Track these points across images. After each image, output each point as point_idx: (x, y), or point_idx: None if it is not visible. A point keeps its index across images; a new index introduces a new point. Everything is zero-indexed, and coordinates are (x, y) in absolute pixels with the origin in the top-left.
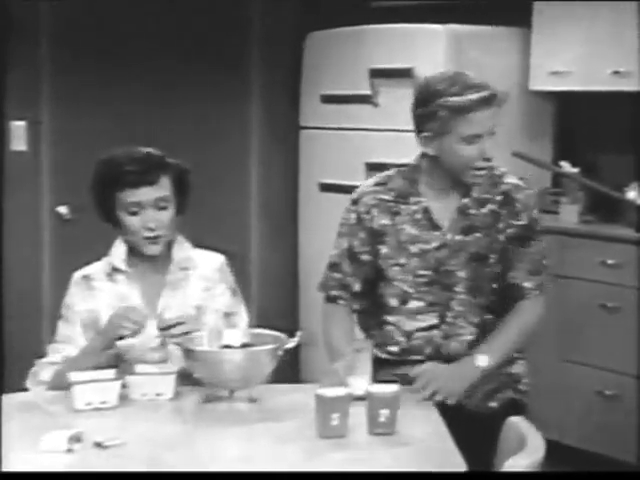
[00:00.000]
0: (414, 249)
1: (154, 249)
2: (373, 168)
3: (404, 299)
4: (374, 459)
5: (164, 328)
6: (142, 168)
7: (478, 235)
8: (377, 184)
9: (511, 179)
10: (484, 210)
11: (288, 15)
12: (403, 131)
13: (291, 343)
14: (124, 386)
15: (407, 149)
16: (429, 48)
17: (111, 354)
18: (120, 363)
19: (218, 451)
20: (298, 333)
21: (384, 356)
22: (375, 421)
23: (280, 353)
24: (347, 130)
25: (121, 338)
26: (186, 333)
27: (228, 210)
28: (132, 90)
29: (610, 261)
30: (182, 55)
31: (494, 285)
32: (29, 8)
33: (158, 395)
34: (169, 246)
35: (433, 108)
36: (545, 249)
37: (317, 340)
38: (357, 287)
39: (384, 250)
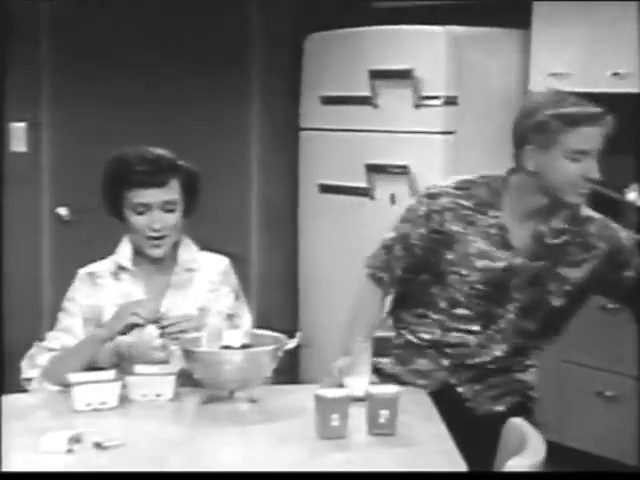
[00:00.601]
0: (479, 264)
1: (158, 252)
2: (373, 169)
3: (454, 305)
4: (374, 460)
5: (164, 326)
6: (152, 169)
7: (544, 263)
8: (458, 188)
9: (586, 211)
10: (557, 241)
11: (288, 16)
12: (403, 132)
13: (291, 344)
14: (124, 387)
15: (407, 150)
16: (429, 49)
17: (111, 352)
18: (121, 363)
19: (218, 452)
20: (297, 334)
21: (414, 340)
22: (375, 422)
23: (280, 354)
24: (347, 131)
25: (130, 329)
26: (183, 332)
27: (228, 211)
28: (132, 92)
29: None
30: (182, 56)
31: (547, 315)
32: (29, 8)
33: (158, 396)
34: (175, 247)
35: (544, 118)
36: None
37: (316, 341)
38: (399, 272)
39: (449, 256)
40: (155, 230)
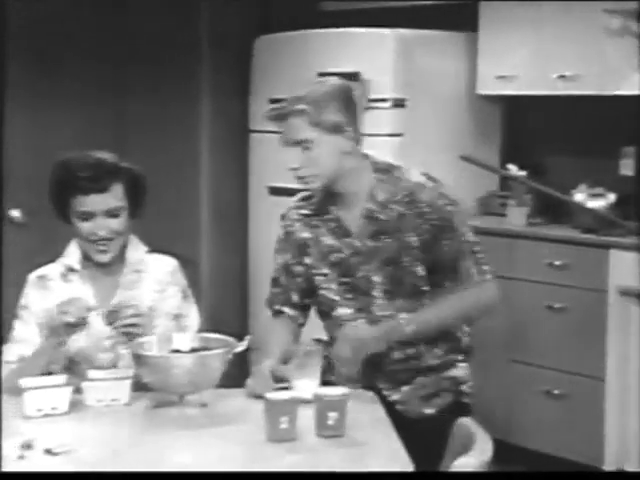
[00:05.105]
0: (333, 258)
1: (104, 257)
2: None
3: (332, 307)
4: (322, 461)
5: (112, 322)
6: (93, 175)
7: (387, 239)
8: (301, 199)
9: (415, 177)
10: (391, 213)
11: (237, 18)
12: None
13: (240, 347)
14: (78, 391)
15: None
16: (377, 52)
17: (60, 355)
18: (71, 366)
19: (168, 456)
20: (247, 337)
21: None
22: (323, 424)
23: (229, 357)
24: None
25: (69, 328)
26: (132, 326)
27: (178, 213)
28: (84, 93)
29: (557, 262)
30: (132, 58)
31: (415, 287)
32: None
33: (114, 401)
34: (123, 248)
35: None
36: (473, 242)
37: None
38: (295, 298)
39: (308, 261)
40: (100, 237)
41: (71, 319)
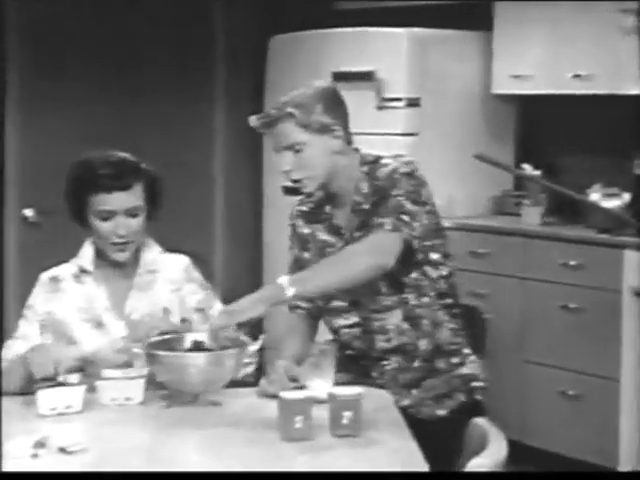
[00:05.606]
0: (327, 253)
1: (122, 256)
2: None
3: (328, 300)
4: (337, 461)
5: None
6: (116, 172)
7: (368, 228)
8: (304, 197)
9: (387, 160)
10: (372, 199)
11: (251, 18)
12: (365, 134)
13: (254, 346)
14: (92, 390)
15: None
16: (391, 51)
17: (75, 355)
18: (86, 366)
19: (182, 455)
20: (261, 336)
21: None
22: (337, 423)
23: (244, 356)
24: None
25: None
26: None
27: (193, 213)
28: (99, 93)
29: (572, 262)
30: (146, 58)
31: (404, 271)
32: None
33: (127, 400)
34: (137, 250)
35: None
36: (405, 208)
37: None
38: None
39: (306, 255)
40: (120, 236)
41: (36, 371)
